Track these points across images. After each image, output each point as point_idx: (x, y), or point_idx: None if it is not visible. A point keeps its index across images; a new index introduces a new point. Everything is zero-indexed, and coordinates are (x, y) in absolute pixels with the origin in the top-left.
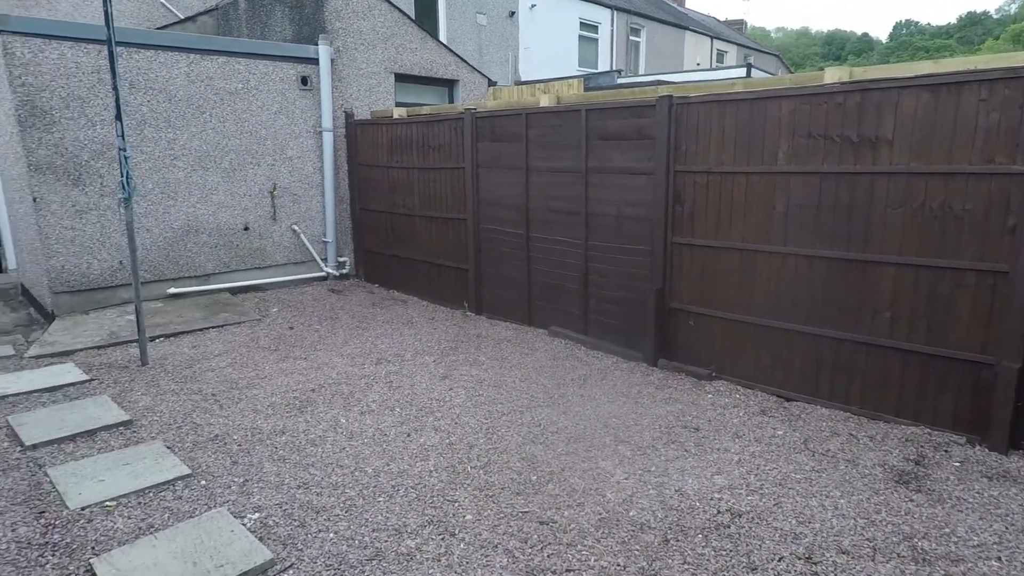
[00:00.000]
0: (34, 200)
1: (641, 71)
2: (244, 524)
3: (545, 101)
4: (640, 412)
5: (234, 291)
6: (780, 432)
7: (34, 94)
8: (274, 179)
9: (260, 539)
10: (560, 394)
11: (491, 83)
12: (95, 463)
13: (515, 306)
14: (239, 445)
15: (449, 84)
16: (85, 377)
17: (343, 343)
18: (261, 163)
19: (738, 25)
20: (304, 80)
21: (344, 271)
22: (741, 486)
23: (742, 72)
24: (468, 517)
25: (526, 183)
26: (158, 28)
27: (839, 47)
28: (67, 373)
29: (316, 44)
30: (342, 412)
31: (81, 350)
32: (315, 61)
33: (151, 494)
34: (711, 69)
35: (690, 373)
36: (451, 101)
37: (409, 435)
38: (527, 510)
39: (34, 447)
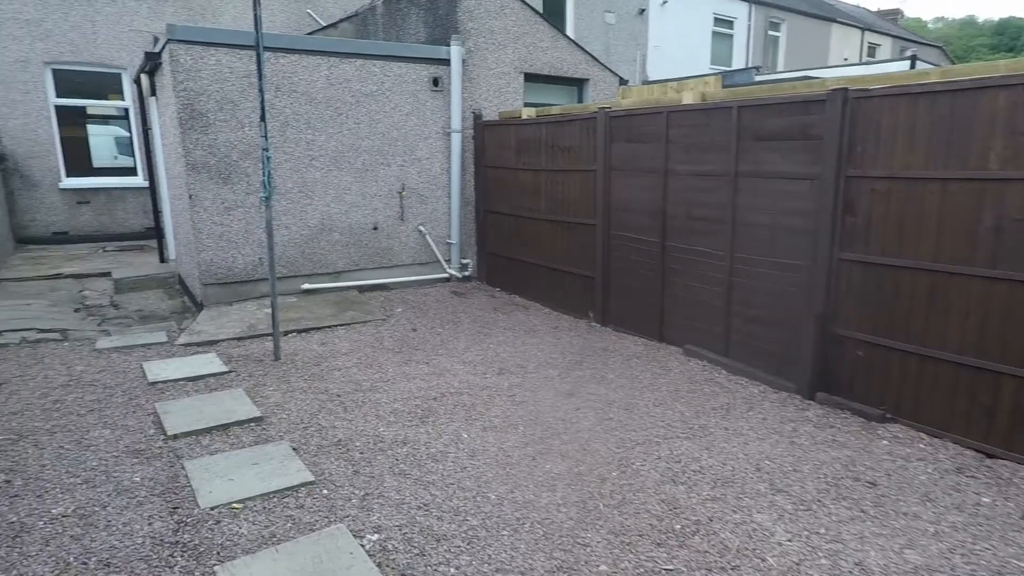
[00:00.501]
0: (190, 197)
1: (780, 68)
2: (363, 546)
3: (688, 98)
4: (798, 455)
5: (361, 289)
6: (987, 500)
7: (193, 98)
8: (403, 180)
9: (378, 564)
10: (700, 425)
11: (622, 81)
12: (226, 460)
13: (645, 319)
14: (361, 453)
15: (578, 83)
16: (224, 368)
17: (464, 348)
18: (391, 164)
19: (893, 16)
20: (435, 81)
21: (467, 273)
22: (944, 570)
23: (904, 65)
24: (602, 568)
25: (664, 187)
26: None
27: (1013, 37)
28: (209, 363)
29: (448, 45)
30: (464, 426)
31: (223, 340)
32: (446, 62)
33: (275, 499)
34: (863, 64)
35: (856, 412)
36: (580, 101)
37: (534, 459)
38: (671, 567)
39: (175, 437)
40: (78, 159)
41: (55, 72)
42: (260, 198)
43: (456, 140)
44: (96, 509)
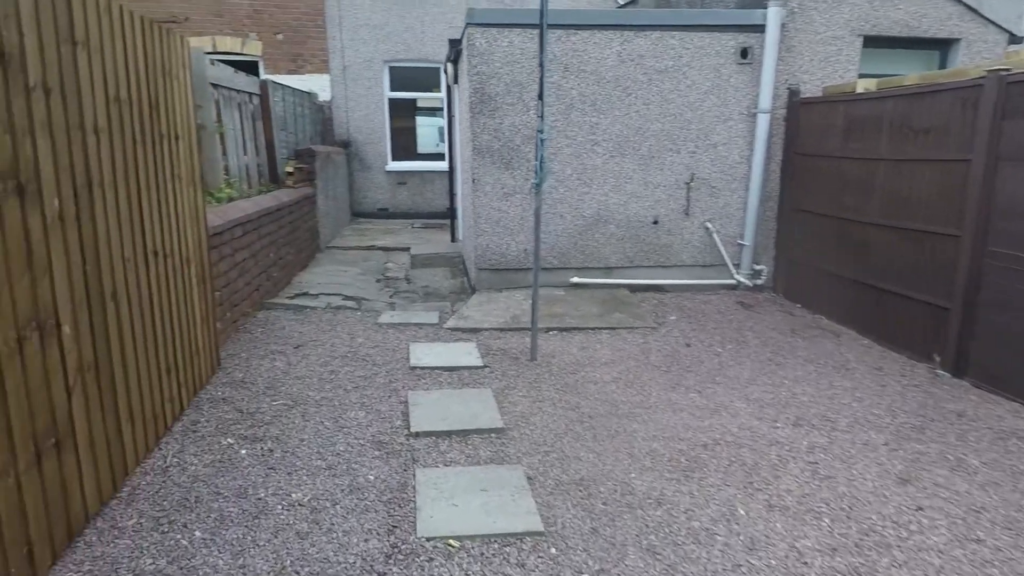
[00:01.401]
0: (473, 181)
1: None
2: None
3: None
4: None
5: (633, 288)
6: None
7: (484, 81)
8: (692, 169)
9: None
10: None
11: (1013, 40)
12: (457, 477)
13: None
14: (604, 504)
15: (941, 46)
16: (480, 363)
17: (749, 380)
18: (681, 150)
19: None
20: (743, 52)
21: (758, 282)
22: None
23: None
24: None
25: None
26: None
27: None
28: (468, 354)
29: (764, 7)
30: (740, 495)
31: (486, 330)
32: (759, 28)
33: (495, 545)
34: None
35: None
36: (942, 68)
37: None
38: None
39: (416, 435)
40: (403, 145)
41: (391, 69)
42: (531, 185)
43: (763, 122)
44: (327, 505)
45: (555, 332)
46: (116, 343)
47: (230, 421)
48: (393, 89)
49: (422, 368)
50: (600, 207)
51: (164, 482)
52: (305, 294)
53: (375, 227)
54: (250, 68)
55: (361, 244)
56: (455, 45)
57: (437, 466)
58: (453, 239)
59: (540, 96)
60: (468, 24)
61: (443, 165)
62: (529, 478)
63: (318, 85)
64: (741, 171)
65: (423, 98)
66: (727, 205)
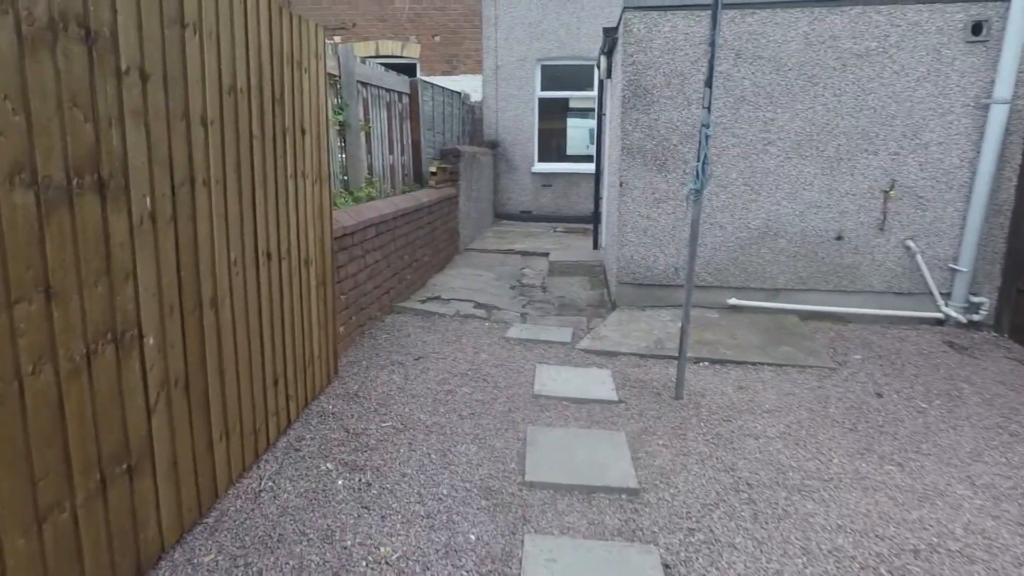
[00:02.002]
0: (620, 185)
1: None
2: None
3: None
4: None
5: (803, 316)
6: None
7: (640, 72)
8: (893, 174)
9: None
10: None
11: None
12: (574, 553)
13: None
14: None
15: None
16: (614, 396)
17: (972, 454)
18: (879, 151)
19: None
20: (976, 27)
21: (975, 317)
22: None
23: None
24: None
25: None
26: None
27: None
28: (601, 384)
29: None
30: None
31: (624, 354)
32: None
33: None
34: None
35: None
36: None
37: None
38: None
39: (531, 485)
40: (550, 146)
41: (543, 68)
42: (688, 190)
43: (998, 115)
44: (416, 570)
45: (706, 364)
46: (214, 355)
47: (335, 441)
48: (544, 88)
49: (547, 397)
50: (769, 217)
51: (253, 510)
52: (437, 298)
53: (516, 230)
54: (408, 70)
55: (500, 247)
56: (609, 34)
57: (551, 533)
58: (595, 246)
59: (708, 83)
60: (626, 8)
61: (590, 167)
62: (666, 567)
63: (470, 86)
64: (960, 177)
65: (574, 97)
66: (937, 220)
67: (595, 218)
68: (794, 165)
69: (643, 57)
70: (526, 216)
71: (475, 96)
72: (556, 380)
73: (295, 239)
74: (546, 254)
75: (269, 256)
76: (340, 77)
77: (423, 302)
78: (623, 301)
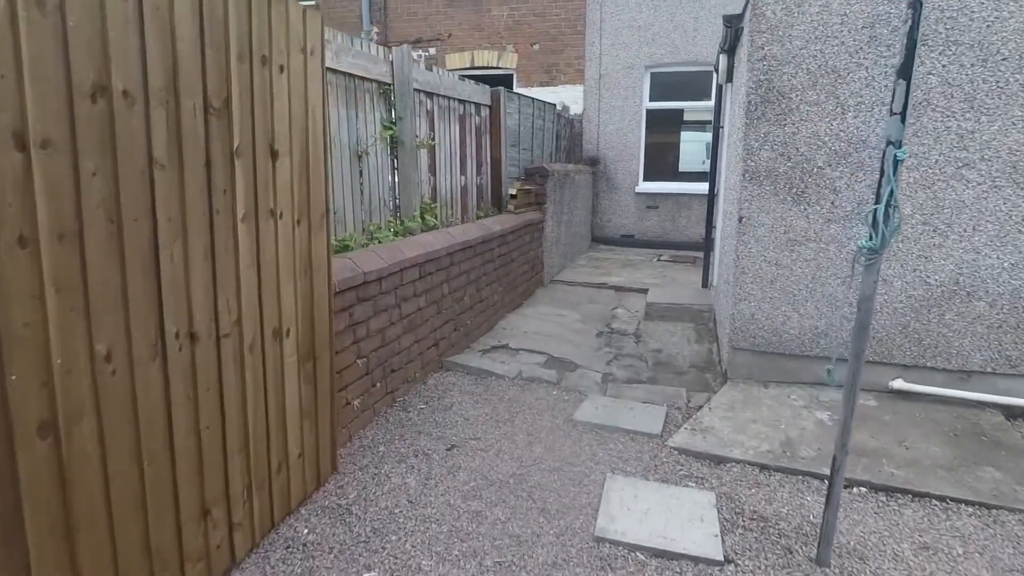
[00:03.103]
0: (740, 220)
1: None
2: None
3: None
4: None
5: (1011, 412)
6: None
7: (773, 71)
8: None
9: None
10: None
11: None
12: None
13: None
14: None
15: None
16: (717, 551)
17: None
18: None
19: None
20: None
21: None
22: None
23: None
24: None
25: None
26: None
27: None
28: (699, 521)
29: None
30: None
31: (736, 461)
32: None
33: None
34: None
35: None
36: None
37: None
38: None
39: None
40: (657, 164)
41: (652, 75)
42: (860, 249)
43: None
44: None
45: (863, 492)
46: (49, 504)
47: None
48: (652, 99)
49: (613, 543)
50: (960, 270)
51: None
52: (503, 347)
53: (614, 257)
54: (504, 82)
55: (592, 279)
56: (732, 24)
57: None
58: (705, 283)
59: (904, 72)
60: None
61: (703, 187)
62: None
63: (571, 97)
64: None
65: (688, 108)
66: None
67: (706, 247)
68: (1005, 197)
69: (778, 49)
70: (627, 241)
71: (575, 108)
72: (632, 510)
73: (253, 304)
74: (644, 291)
75: (193, 336)
76: (393, 86)
77: (484, 353)
78: (738, 372)
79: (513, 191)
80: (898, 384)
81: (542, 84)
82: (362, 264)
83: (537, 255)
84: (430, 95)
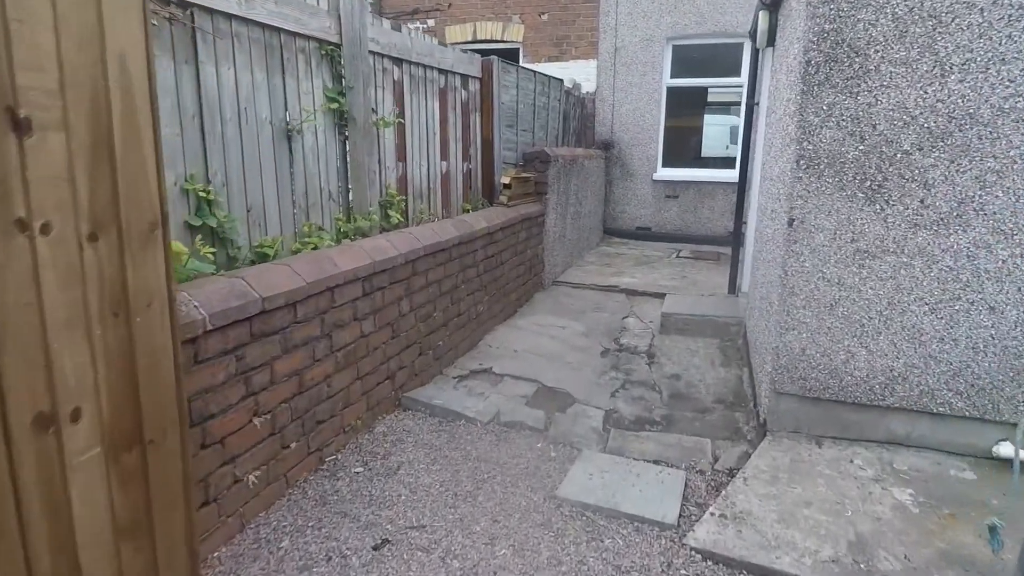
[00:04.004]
0: (790, 222)
1: None
2: None
3: None
4: None
5: None
6: None
7: (844, 17)
8: None
9: None
10: None
11: None
12: None
13: None
14: None
15: None
16: None
17: None
18: None
19: None
20: None
21: None
22: None
23: None
24: None
25: None
26: None
27: None
28: None
29: None
30: None
31: (783, 574)
32: None
33: None
34: None
35: None
36: None
37: None
38: None
39: None
40: (678, 148)
41: (674, 49)
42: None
43: None
44: None
45: None
46: None
47: None
48: (675, 75)
49: None
50: None
51: None
52: (485, 372)
53: (628, 252)
54: (510, 57)
55: (601, 281)
56: None
57: None
58: (732, 288)
59: None
60: None
61: (729, 175)
62: None
63: (583, 73)
64: None
65: (714, 86)
66: None
67: (735, 245)
68: None
69: None
70: (643, 234)
71: (587, 86)
72: None
73: None
74: (661, 296)
75: None
76: (342, 46)
77: (460, 381)
78: (781, 423)
79: (506, 180)
80: (1002, 448)
81: (551, 59)
82: (261, 286)
83: (536, 254)
84: (397, 61)
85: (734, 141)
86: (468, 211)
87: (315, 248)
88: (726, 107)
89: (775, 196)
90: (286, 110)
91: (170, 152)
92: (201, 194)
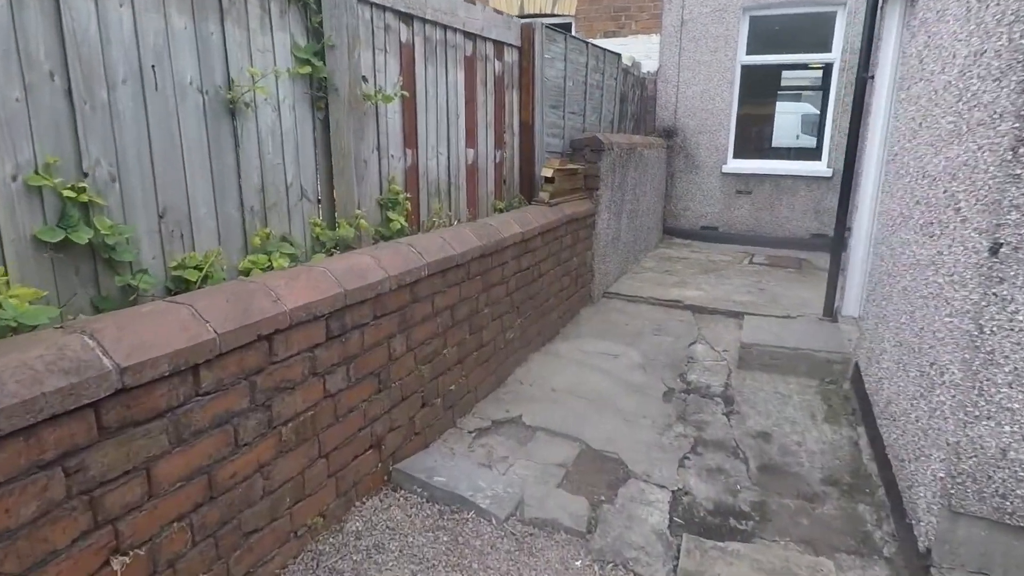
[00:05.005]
0: (994, 249)
1: None
2: None
3: None
4: None
5: None
6: None
7: None
8: None
9: None
10: None
11: None
12: None
13: None
14: None
15: None
16: None
17: None
18: None
19: None
20: None
21: None
22: None
23: None
24: None
25: None
26: None
27: None
28: None
29: None
30: None
31: None
32: None
33: None
34: None
35: None
36: None
37: None
38: None
39: None
40: (751, 137)
41: (751, 20)
42: None
43: None
44: None
45: None
46: None
47: None
48: (750, 52)
49: None
50: None
51: None
52: (512, 422)
53: (691, 256)
54: None
55: (659, 294)
56: None
57: None
58: (829, 311)
59: None
60: None
61: (814, 168)
62: None
63: (643, 50)
64: None
65: (796, 63)
66: None
67: (834, 257)
68: None
69: None
70: (708, 234)
71: (649, 65)
72: None
73: None
74: (735, 315)
75: None
76: None
77: (476, 437)
78: (957, 557)
79: (548, 173)
80: None
81: (607, 34)
82: (123, 346)
83: (583, 261)
84: (406, 18)
85: (806, 131)
86: (501, 211)
87: (274, 268)
88: (796, 93)
89: (936, 203)
90: (228, 74)
91: (4, 126)
92: (67, 193)
